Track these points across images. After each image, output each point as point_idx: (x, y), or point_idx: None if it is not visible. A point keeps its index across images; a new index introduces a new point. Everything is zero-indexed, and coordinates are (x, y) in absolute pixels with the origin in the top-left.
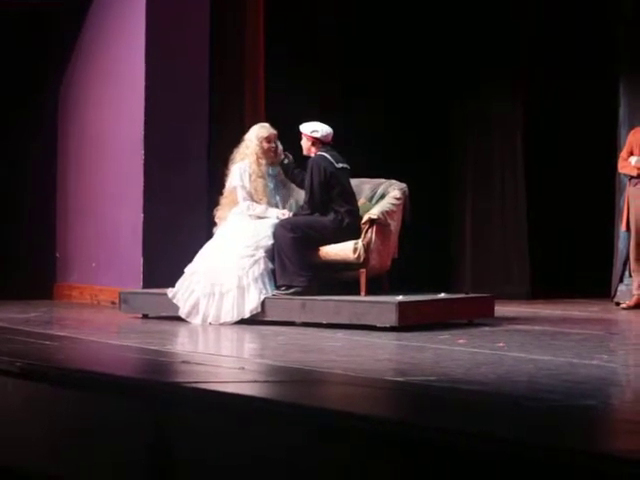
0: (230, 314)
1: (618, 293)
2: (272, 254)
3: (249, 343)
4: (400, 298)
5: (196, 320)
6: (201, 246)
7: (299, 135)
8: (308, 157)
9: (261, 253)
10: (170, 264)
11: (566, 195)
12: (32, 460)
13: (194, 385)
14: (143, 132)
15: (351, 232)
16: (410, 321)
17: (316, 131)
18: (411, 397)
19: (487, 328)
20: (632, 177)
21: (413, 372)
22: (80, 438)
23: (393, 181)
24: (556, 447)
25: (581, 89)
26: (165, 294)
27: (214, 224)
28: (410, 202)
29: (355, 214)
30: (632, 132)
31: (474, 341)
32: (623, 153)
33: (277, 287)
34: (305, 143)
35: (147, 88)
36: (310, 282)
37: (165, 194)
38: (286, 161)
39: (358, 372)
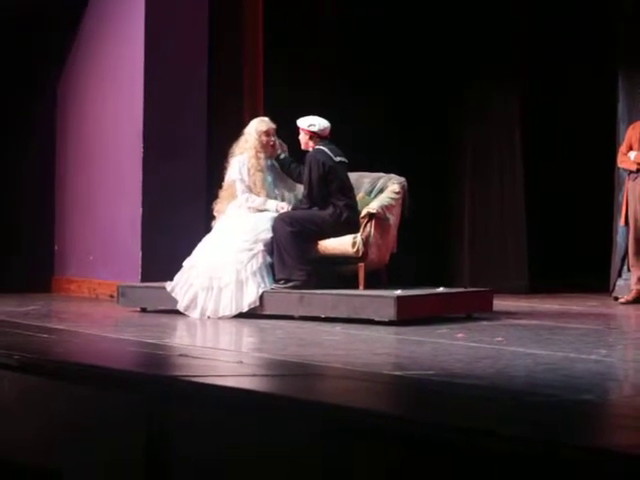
0: (228, 308)
1: (616, 288)
2: (271, 248)
3: (247, 337)
4: (399, 292)
5: (194, 314)
6: (199, 240)
7: (297, 130)
8: (306, 152)
9: (260, 247)
10: (168, 257)
11: (565, 190)
12: (29, 453)
13: (192, 379)
14: (142, 127)
15: (350, 226)
16: (408, 315)
17: (313, 125)
18: (409, 391)
19: (485, 322)
20: (631, 172)
21: (411, 366)
22: (78, 431)
23: (392, 175)
24: (554, 442)
25: (580, 84)
26: (163, 288)
27: (213, 218)
28: (409, 196)
29: (354, 208)
30: (631, 127)
31: (472, 335)
32: (622, 148)
33: (276, 281)
34: (303, 137)
35: (146, 83)
36: (309, 276)
37: (163, 188)
38: (282, 156)
39: (356, 366)
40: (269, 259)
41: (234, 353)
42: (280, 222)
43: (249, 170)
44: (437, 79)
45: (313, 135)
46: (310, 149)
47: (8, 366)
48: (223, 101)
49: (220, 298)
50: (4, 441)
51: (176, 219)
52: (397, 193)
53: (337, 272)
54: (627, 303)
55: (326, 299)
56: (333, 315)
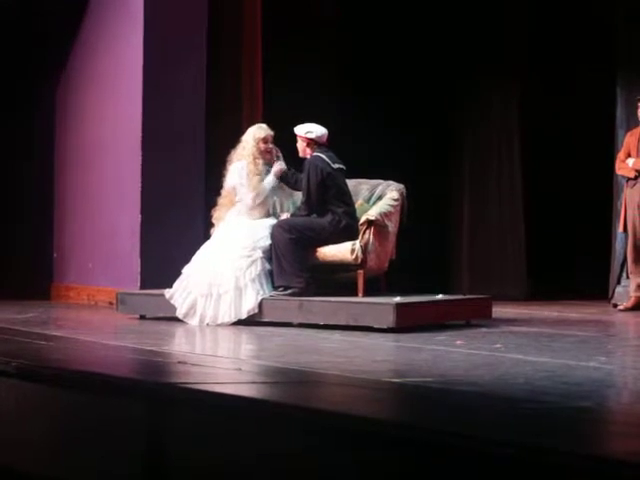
0: (227, 315)
1: (615, 295)
2: (270, 255)
3: (246, 344)
4: (398, 299)
5: (193, 321)
6: (199, 247)
7: (294, 137)
8: (304, 159)
9: (258, 254)
10: (167, 265)
11: (563, 196)
12: (28, 460)
13: (191, 386)
14: (141, 134)
15: (349, 233)
16: (407, 322)
17: (310, 132)
18: (408, 398)
19: (484, 329)
20: (629, 179)
21: (410, 373)
22: (76, 439)
23: (391, 182)
24: (553, 449)
25: (579, 90)
26: (162, 295)
27: (211, 225)
28: (407, 203)
29: (352, 215)
30: (629, 133)
31: (471, 342)
32: (620, 154)
33: (274, 288)
34: (300, 145)
35: (144, 89)
36: (307, 283)
37: (162, 195)
38: (282, 172)
39: (355, 373)
40: (268, 266)
41: (233, 360)
42: (279, 229)
43: (248, 175)
44: (435, 82)
45: (311, 142)
46: (308, 156)
47: (6, 373)
48: (222, 108)
49: (219, 305)
50: (3, 449)
51: (175, 226)
52: (396, 200)
53: (336, 279)
54: (626, 310)
55: (325, 306)
56: (332, 322)
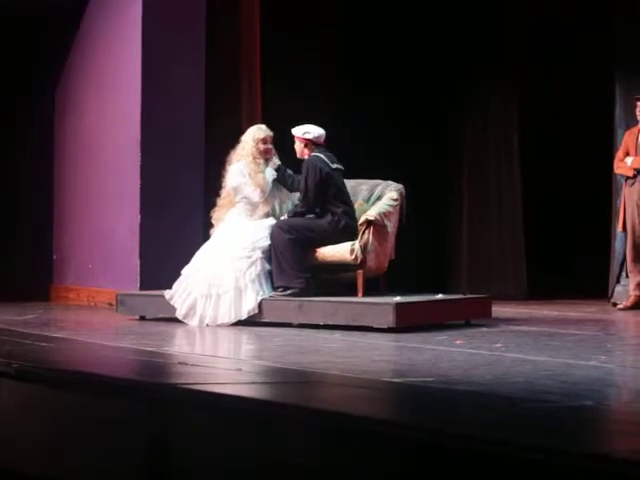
0: (227, 315)
1: (615, 294)
2: (269, 255)
3: (246, 344)
4: (397, 299)
5: (193, 321)
6: (198, 248)
7: (292, 139)
8: (302, 160)
9: (258, 254)
10: (167, 265)
11: (563, 196)
12: (29, 462)
13: (191, 386)
14: (140, 134)
15: (348, 233)
16: (407, 322)
17: (308, 132)
18: (408, 398)
19: (484, 329)
20: (628, 178)
21: (411, 373)
22: (77, 440)
23: (390, 182)
24: (553, 448)
25: (578, 90)
26: (162, 296)
27: (211, 226)
28: (407, 203)
29: (352, 215)
30: (628, 132)
31: (471, 342)
32: (619, 154)
33: (274, 288)
34: (298, 146)
35: (143, 89)
36: (307, 283)
37: (162, 196)
38: (276, 165)
39: (355, 373)
40: (268, 266)
41: (233, 361)
42: (278, 230)
43: (249, 174)
44: (435, 82)
45: (308, 143)
46: (306, 157)
47: (7, 375)
48: (221, 108)
49: (219, 306)
50: (3, 450)
51: (174, 227)
52: (395, 200)
53: (336, 279)
54: (626, 309)
55: (325, 306)
56: (332, 322)
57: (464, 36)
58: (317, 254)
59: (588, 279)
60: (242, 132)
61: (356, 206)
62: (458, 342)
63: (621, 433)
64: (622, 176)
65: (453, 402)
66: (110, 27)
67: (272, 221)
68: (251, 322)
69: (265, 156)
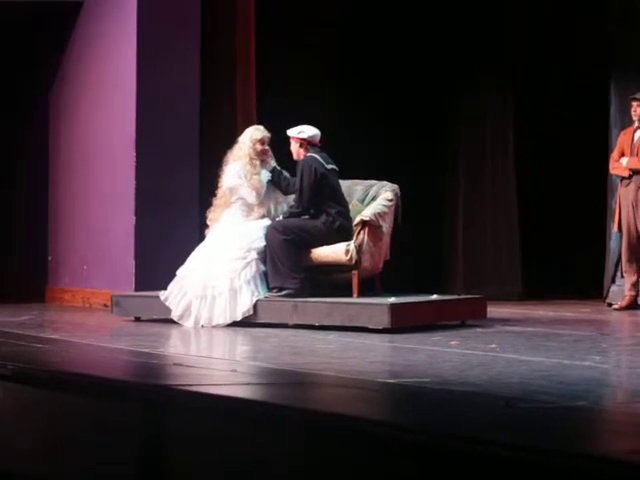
0: (222, 316)
1: (610, 294)
2: (264, 256)
3: (241, 345)
4: (392, 300)
5: (188, 323)
6: (193, 249)
7: (288, 140)
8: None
9: (253, 255)
10: (162, 267)
11: (558, 196)
12: (24, 463)
13: (186, 388)
14: (134, 135)
15: (343, 234)
16: (403, 323)
17: (303, 132)
18: (404, 399)
19: (479, 329)
20: (623, 178)
21: (406, 374)
22: (72, 441)
23: (385, 183)
24: (549, 448)
25: (573, 90)
26: (157, 297)
27: (206, 226)
28: (402, 204)
29: (346, 216)
30: (623, 133)
31: (467, 342)
32: (614, 154)
33: (269, 289)
34: (294, 146)
35: (138, 91)
36: (302, 284)
37: (157, 197)
38: (271, 166)
39: (351, 374)
40: (263, 267)
41: (228, 362)
42: (273, 231)
43: (245, 176)
44: (434, 82)
45: (304, 142)
46: (302, 157)
47: (2, 376)
48: (216, 109)
49: (214, 307)
50: (0, 451)
51: (169, 228)
52: (390, 200)
53: (331, 280)
54: (621, 309)
55: (320, 307)
56: (327, 323)
57: (463, 36)
58: (312, 255)
59: (583, 279)
60: (237, 133)
61: (351, 206)
62: (453, 343)
63: (616, 433)
64: (617, 176)
65: (448, 402)
66: (105, 28)
67: (267, 222)
68: (246, 323)
69: (262, 157)
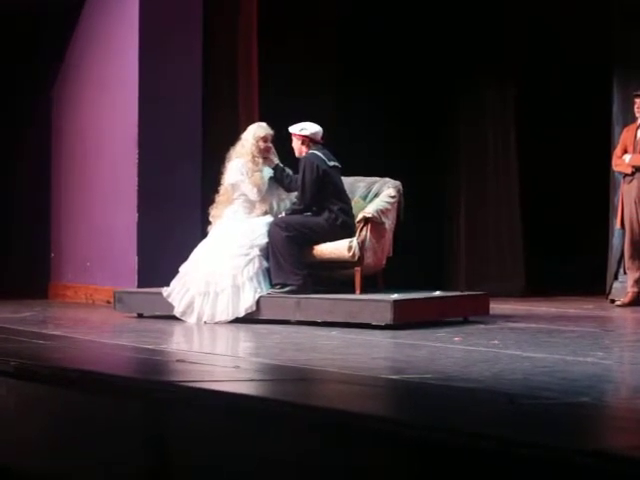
0: (225, 313)
1: (613, 290)
2: (267, 253)
3: (244, 342)
4: (395, 296)
5: (191, 319)
6: (196, 245)
7: (289, 138)
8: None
9: (256, 252)
10: (165, 263)
11: (560, 193)
12: (27, 460)
13: (189, 384)
14: (137, 132)
15: (346, 230)
16: (405, 319)
17: (305, 129)
18: (407, 395)
19: (482, 326)
20: (626, 175)
21: (408, 370)
22: (75, 438)
23: (387, 179)
24: (551, 444)
25: (575, 87)
26: (160, 293)
27: (209, 223)
28: (404, 200)
29: (349, 212)
30: (625, 129)
31: (469, 339)
32: (617, 151)
33: (272, 286)
34: (296, 143)
35: (140, 89)
36: (305, 281)
37: (159, 194)
38: (274, 163)
39: (353, 370)
40: (265, 264)
41: (231, 358)
42: (276, 227)
43: (247, 173)
44: (434, 82)
45: (306, 139)
46: (304, 154)
47: (5, 373)
48: (218, 107)
49: (217, 303)
50: (2, 448)
51: (172, 225)
52: (393, 197)
53: (333, 276)
54: (623, 306)
55: (323, 304)
56: (330, 320)
57: (464, 36)
58: (315, 251)
59: (586, 276)
60: (239, 130)
61: (353, 203)
62: (456, 339)
63: (619, 429)
64: (620, 173)
65: (451, 399)
66: (108, 26)
67: (270, 219)
68: (249, 319)
69: (265, 154)
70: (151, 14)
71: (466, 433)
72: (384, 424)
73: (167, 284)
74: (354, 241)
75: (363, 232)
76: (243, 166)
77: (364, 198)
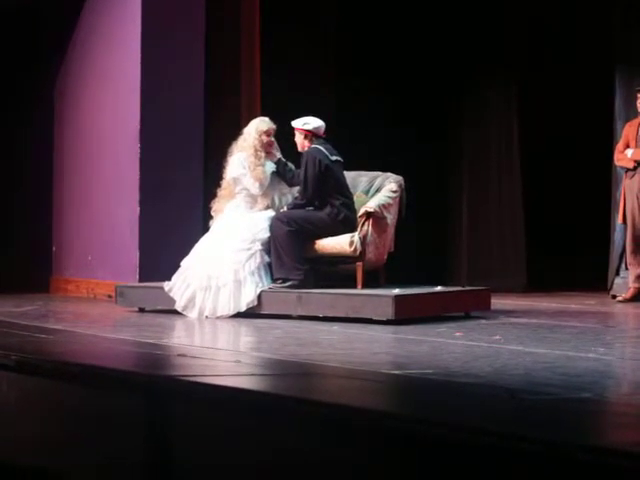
0: (226, 307)
1: (614, 286)
2: (268, 247)
3: (245, 336)
4: (397, 291)
5: (192, 314)
6: (197, 240)
7: (292, 132)
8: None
9: (257, 246)
10: (166, 257)
11: (563, 187)
12: (29, 455)
13: (190, 378)
14: (139, 127)
15: (347, 225)
16: (407, 314)
17: (308, 123)
18: (408, 390)
19: (484, 321)
20: (628, 170)
21: (410, 365)
22: (76, 432)
23: (389, 174)
24: (553, 440)
25: (577, 82)
26: (161, 287)
27: (210, 217)
28: (406, 195)
29: (351, 207)
30: (628, 124)
31: (471, 334)
32: (619, 146)
33: (273, 280)
34: (298, 138)
35: (143, 84)
36: (306, 275)
37: (161, 188)
38: (276, 158)
39: (355, 365)
40: (267, 258)
41: (232, 353)
42: (277, 222)
43: (249, 166)
44: (435, 80)
45: (308, 134)
46: (306, 149)
47: (6, 367)
48: (220, 101)
49: (218, 298)
50: (3, 442)
51: (174, 219)
52: (395, 192)
53: (335, 271)
54: (625, 301)
55: (324, 298)
56: (331, 314)
57: (464, 36)
58: (316, 246)
59: (588, 271)
60: (241, 125)
61: (355, 198)
62: (457, 334)
63: (620, 425)
64: (622, 168)
65: (452, 394)
66: (110, 22)
67: (271, 213)
68: (250, 314)
69: (267, 149)
70: (153, 11)
71: (467, 428)
72: (385, 419)
73: (168, 278)
74: (356, 236)
75: (365, 227)
76: (245, 160)
77: (366, 193)
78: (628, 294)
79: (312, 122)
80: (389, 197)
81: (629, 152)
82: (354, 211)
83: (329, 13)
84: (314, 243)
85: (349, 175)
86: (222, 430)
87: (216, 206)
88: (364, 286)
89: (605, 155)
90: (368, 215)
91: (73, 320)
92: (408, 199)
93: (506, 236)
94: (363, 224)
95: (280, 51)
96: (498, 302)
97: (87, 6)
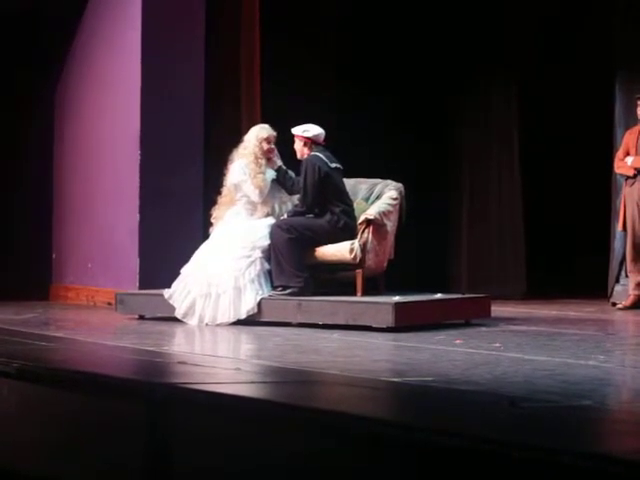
0: (226, 315)
1: (614, 293)
2: (268, 254)
3: (245, 344)
4: (396, 299)
5: (192, 321)
6: (197, 247)
7: (292, 139)
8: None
9: (257, 254)
10: (166, 265)
11: (562, 195)
12: (29, 462)
13: (190, 386)
14: (139, 133)
15: (347, 232)
16: (406, 322)
17: (307, 131)
18: (408, 398)
19: (484, 328)
20: (628, 177)
21: (410, 373)
22: (76, 440)
23: (389, 181)
24: (553, 448)
25: (577, 88)
26: (161, 295)
27: (210, 224)
28: (406, 202)
29: (351, 214)
30: (628, 132)
31: (471, 341)
32: (619, 153)
33: (273, 288)
34: (298, 145)
35: (142, 90)
36: (306, 283)
37: (161, 195)
38: (277, 165)
39: (355, 373)
40: (267, 266)
41: (232, 360)
42: (277, 229)
43: (250, 173)
44: (435, 80)
45: (308, 141)
46: (306, 156)
47: (7, 374)
48: (220, 108)
49: (218, 305)
50: (3, 449)
51: (174, 226)
52: (394, 199)
53: (335, 279)
54: (625, 309)
55: (324, 306)
56: (331, 322)
57: (464, 36)
58: (316, 253)
59: (588, 279)
60: (241, 131)
61: (355, 205)
62: (457, 342)
63: (620, 433)
64: (622, 176)
65: (452, 401)
66: (110, 25)
67: (271, 220)
68: (250, 321)
69: (267, 156)
70: (153, 13)
71: (467, 436)
72: (385, 427)
73: (168, 286)
74: (356, 243)
75: (365, 234)
76: (246, 167)
77: (366, 200)
78: (628, 301)
79: (312, 129)
80: (389, 204)
81: (629, 160)
82: (354, 218)
83: (329, 14)
84: (314, 250)
85: (349, 182)
86: (222, 437)
87: (216, 213)
88: (364, 293)
89: (605, 162)
90: (368, 222)
91: (73, 328)
92: (408, 205)
93: (506, 243)
94: (363, 231)
95: (280, 53)
96: (498, 309)
97: (88, 10)
